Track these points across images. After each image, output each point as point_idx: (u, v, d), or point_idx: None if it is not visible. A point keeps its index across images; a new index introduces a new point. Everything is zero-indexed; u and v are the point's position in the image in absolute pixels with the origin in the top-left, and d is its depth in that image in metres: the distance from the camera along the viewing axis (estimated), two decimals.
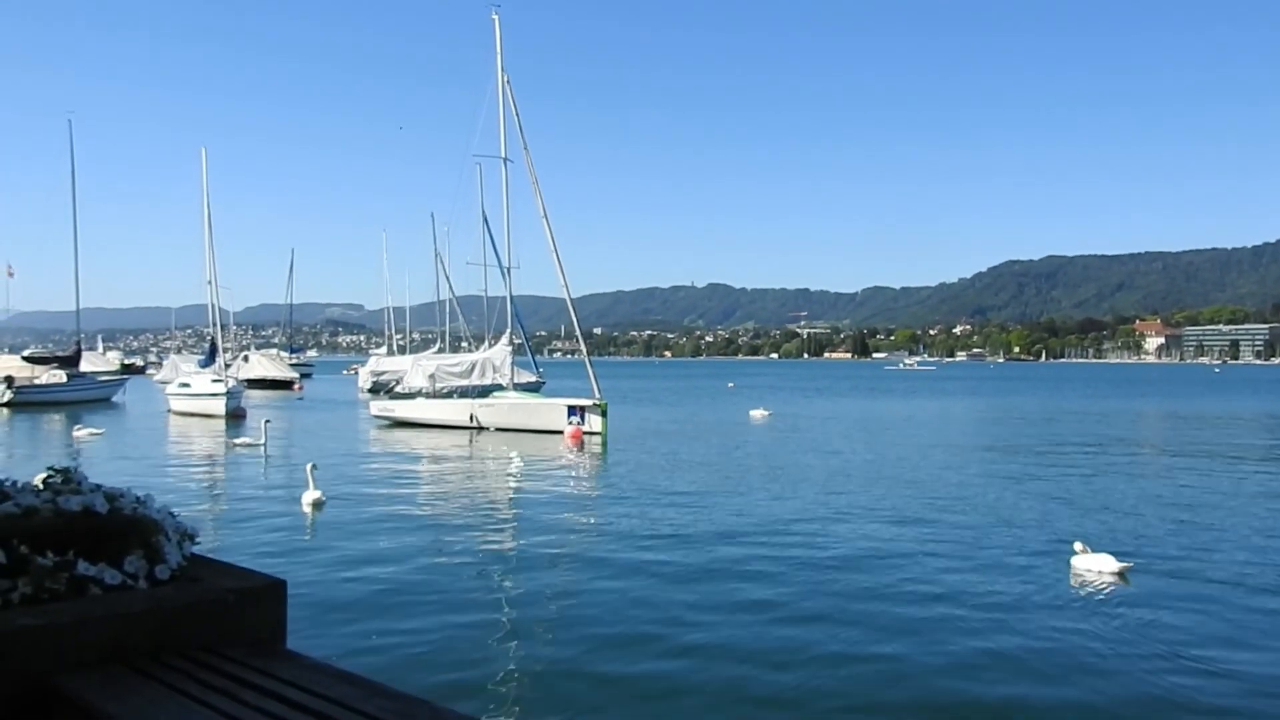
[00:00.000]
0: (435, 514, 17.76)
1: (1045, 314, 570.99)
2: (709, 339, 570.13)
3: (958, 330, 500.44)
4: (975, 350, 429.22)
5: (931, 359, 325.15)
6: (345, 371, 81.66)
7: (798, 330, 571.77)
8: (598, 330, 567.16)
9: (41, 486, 3.70)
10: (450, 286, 68.58)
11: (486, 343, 47.43)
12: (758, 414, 46.30)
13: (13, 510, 3.23)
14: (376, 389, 60.26)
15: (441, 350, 63.45)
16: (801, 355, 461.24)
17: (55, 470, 3.85)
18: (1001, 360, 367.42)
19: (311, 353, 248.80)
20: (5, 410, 46.28)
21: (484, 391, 38.41)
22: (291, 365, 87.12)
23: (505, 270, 41.05)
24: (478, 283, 51.91)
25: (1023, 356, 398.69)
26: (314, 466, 18.37)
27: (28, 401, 48.84)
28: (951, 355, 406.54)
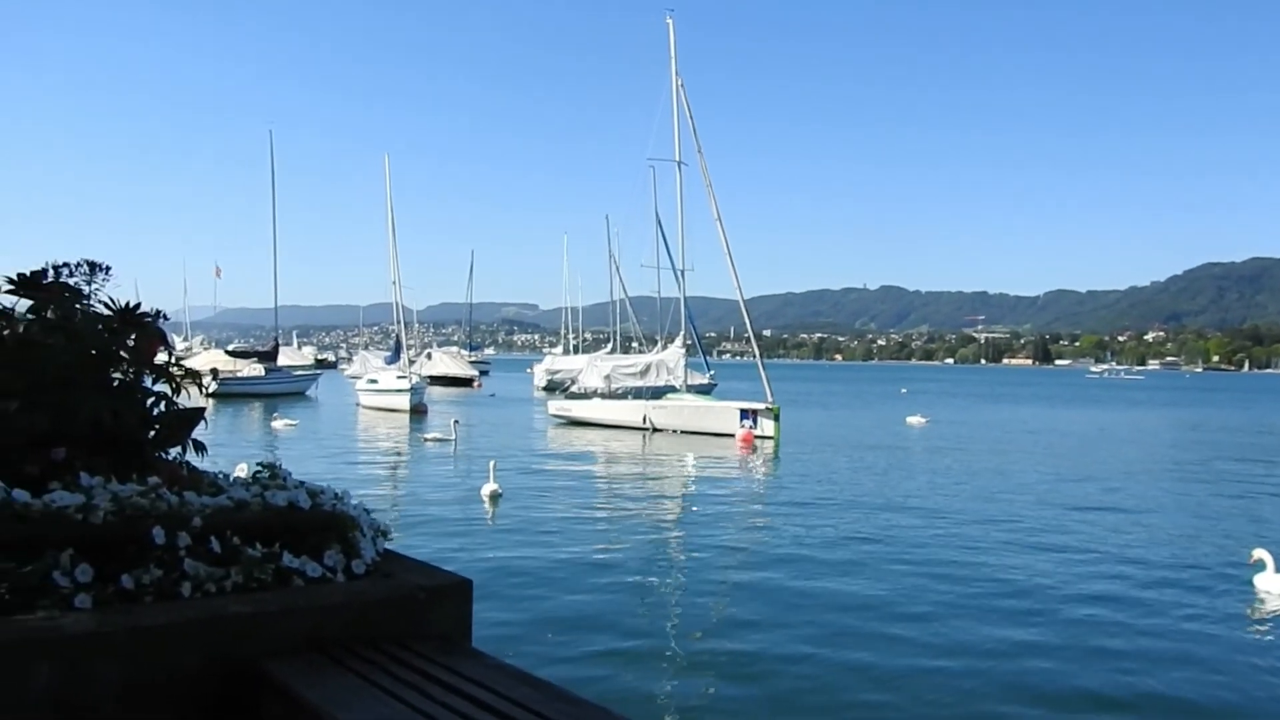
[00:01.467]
0: (608, 513, 18.05)
1: (1248, 320, 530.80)
2: (881, 342, 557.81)
3: (1149, 337, 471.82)
4: (1169, 358, 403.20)
5: (1120, 366, 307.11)
6: (528, 370, 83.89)
7: (974, 335, 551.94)
8: (767, 332, 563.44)
9: (251, 480, 3.95)
10: (624, 287, 69.55)
11: (659, 344, 47.87)
12: (915, 420, 45.16)
13: (226, 504, 3.47)
14: (551, 387, 61.73)
15: (613, 350, 64.43)
16: (978, 361, 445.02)
17: (263, 466, 4.10)
18: (1199, 369, 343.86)
19: (489, 350, 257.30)
20: (210, 401, 49.79)
21: (657, 393, 38.73)
22: (471, 362, 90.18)
23: (679, 273, 41.34)
24: (650, 283, 52.44)
25: (1223, 366, 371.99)
26: (495, 463, 19.22)
27: (230, 393, 52.44)
28: (1142, 363, 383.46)
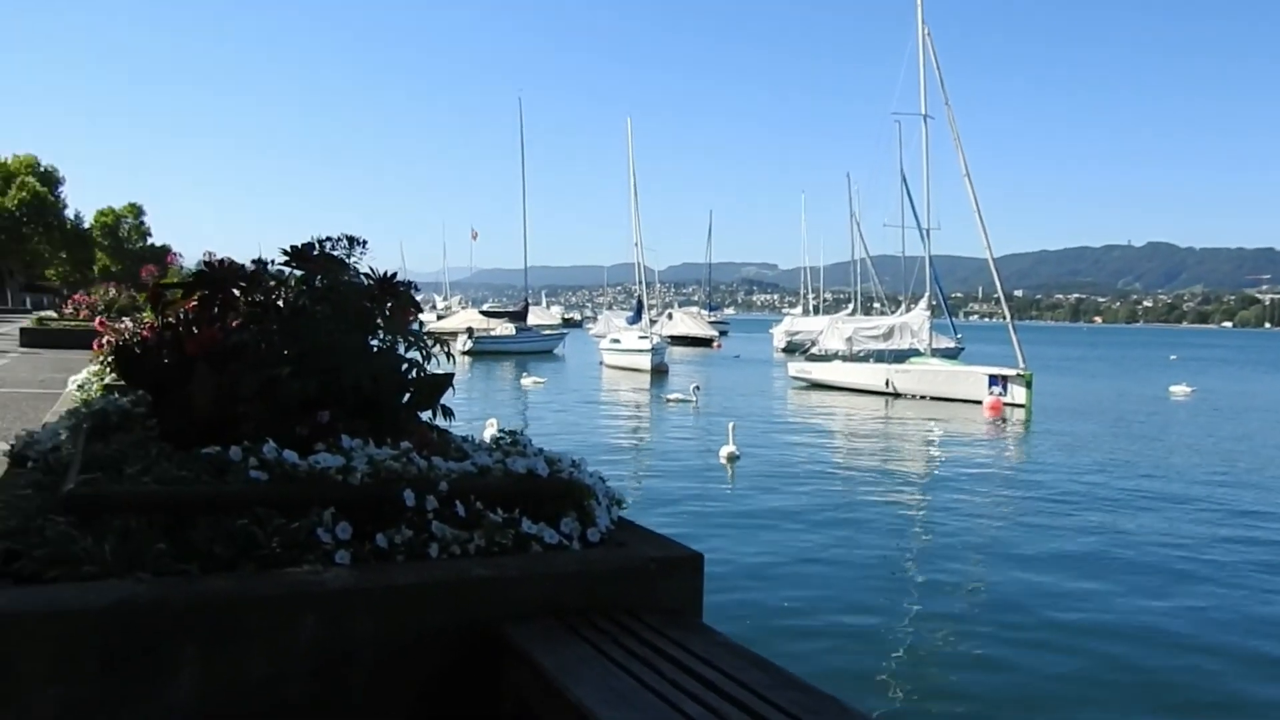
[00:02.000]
0: (846, 481, 17.74)
1: None
2: (1146, 304, 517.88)
3: None
4: None
5: None
6: (770, 331, 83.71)
7: (1258, 295, 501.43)
8: (1019, 292, 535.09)
9: (494, 446, 4.11)
10: (865, 247, 67.87)
11: (903, 305, 46.42)
12: (1179, 390, 41.49)
13: (470, 469, 3.62)
14: (791, 349, 61.29)
15: (854, 312, 63.09)
16: (1262, 325, 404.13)
17: (505, 432, 4.25)
18: None
19: (728, 310, 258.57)
20: (466, 359, 52.76)
21: (900, 356, 37.59)
22: (710, 323, 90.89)
23: (924, 231, 39.80)
24: (892, 243, 50.83)
25: None
26: (734, 425, 19.34)
27: (483, 351, 55.42)
28: None
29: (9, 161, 63.54)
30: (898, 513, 15.24)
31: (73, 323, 27.21)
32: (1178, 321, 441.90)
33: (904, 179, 46.46)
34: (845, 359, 39.41)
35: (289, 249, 4.70)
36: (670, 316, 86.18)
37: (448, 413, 4.33)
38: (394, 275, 4.64)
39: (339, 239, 4.41)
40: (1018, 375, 32.24)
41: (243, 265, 4.82)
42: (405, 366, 4.33)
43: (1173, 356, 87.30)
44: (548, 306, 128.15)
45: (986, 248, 35.62)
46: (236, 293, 4.75)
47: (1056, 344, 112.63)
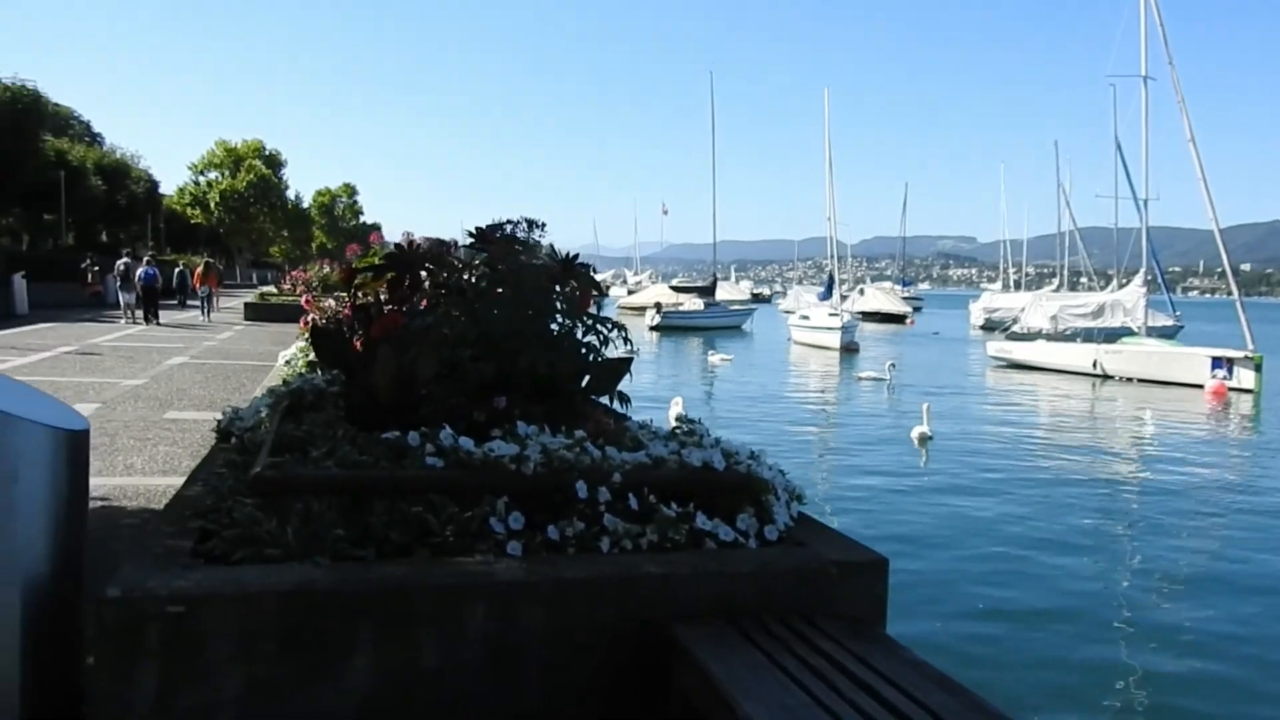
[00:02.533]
0: (1047, 471, 16.70)
1: None
2: None
3: None
4: None
5: None
6: (969, 306, 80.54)
7: None
8: (1246, 266, 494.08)
9: (669, 435, 4.00)
10: (1073, 218, 64.11)
11: (1115, 281, 43.53)
12: None
13: (644, 461, 3.51)
14: (990, 326, 58.68)
15: (1059, 287, 59.76)
16: None
17: (682, 420, 4.14)
18: None
19: (922, 285, 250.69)
20: (654, 333, 53.12)
21: (1111, 335, 35.21)
22: (903, 298, 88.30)
23: (1140, 202, 37.15)
24: (1101, 215, 47.75)
25: None
26: (929, 407, 18.63)
27: (672, 326, 55.62)
28: None
29: (239, 146, 68.26)
30: (1108, 512, 14.15)
31: (290, 298, 28.87)
32: None
33: (1119, 147, 43.47)
34: (1049, 338, 37.32)
35: (474, 230, 4.73)
36: (862, 292, 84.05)
37: (624, 399, 4.24)
38: (575, 257, 4.59)
39: (518, 221, 4.38)
40: (1245, 357, 29.56)
41: (430, 247, 4.89)
42: (584, 350, 4.28)
43: None
44: (736, 281, 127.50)
45: (1212, 218, 32.81)
46: (424, 275, 4.84)
47: None
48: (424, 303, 4.65)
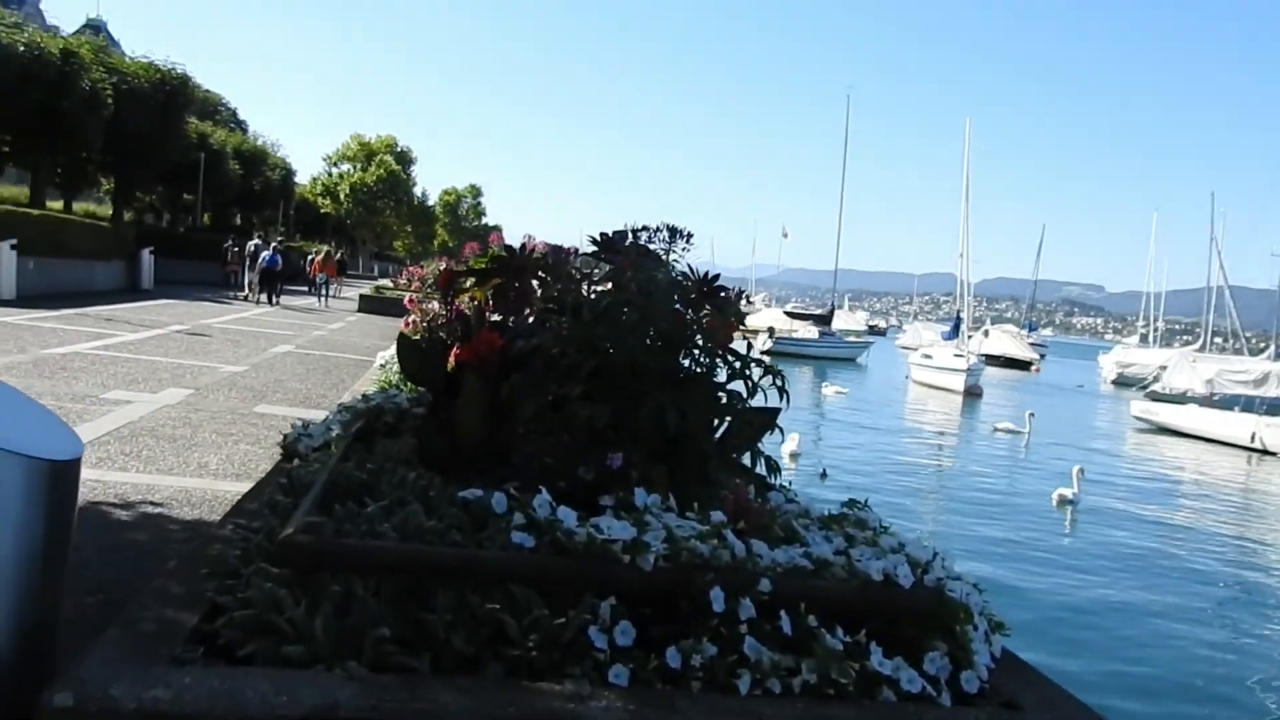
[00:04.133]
0: (1200, 548, 15.09)
1: None
2: None
3: None
4: None
5: None
6: (1099, 358, 76.67)
7: None
8: None
9: (833, 526, 3.05)
10: (1224, 274, 60.46)
11: (1273, 345, 40.44)
12: None
13: (803, 564, 2.57)
14: (1123, 382, 55.63)
15: (1203, 347, 56.30)
16: None
17: (849, 505, 3.20)
18: None
19: (1045, 331, 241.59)
20: (766, 358, 51.57)
21: (1275, 407, 32.23)
22: (1029, 344, 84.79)
23: None
24: (1243, 274, 44.62)
25: None
26: (1081, 470, 17.00)
27: (784, 352, 54.03)
28: None
29: (373, 141, 69.55)
30: (1259, 604, 12.58)
31: (403, 293, 28.77)
32: None
33: None
34: (1201, 403, 34.47)
35: (598, 237, 3.86)
36: (986, 334, 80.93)
37: (773, 466, 3.30)
38: (715, 277, 3.70)
39: (658, 228, 3.50)
40: None
41: (547, 252, 4.06)
42: (721, 397, 3.38)
43: None
44: (852, 311, 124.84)
45: None
46: (535, 285, 4.02)
47: None
48: (531, 319, 3.83)
